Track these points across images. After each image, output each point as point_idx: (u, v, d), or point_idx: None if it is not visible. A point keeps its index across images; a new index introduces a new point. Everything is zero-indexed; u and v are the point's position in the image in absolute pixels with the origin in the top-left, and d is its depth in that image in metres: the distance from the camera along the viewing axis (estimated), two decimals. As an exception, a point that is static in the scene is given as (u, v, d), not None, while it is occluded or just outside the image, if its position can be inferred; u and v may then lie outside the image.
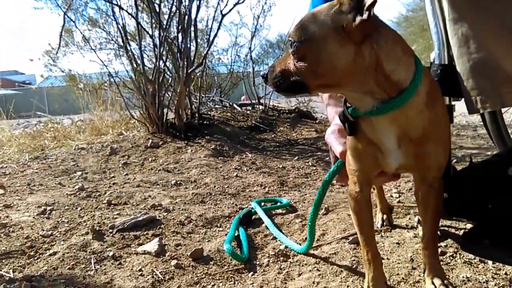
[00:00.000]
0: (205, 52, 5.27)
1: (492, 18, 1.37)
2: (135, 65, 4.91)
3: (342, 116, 1.16)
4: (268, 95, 6.97)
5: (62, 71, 8.43)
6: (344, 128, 1.19)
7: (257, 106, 7.03)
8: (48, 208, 2.32)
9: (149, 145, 4.19)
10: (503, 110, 2.72)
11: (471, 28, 1.40)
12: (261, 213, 2.10)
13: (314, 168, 3.52)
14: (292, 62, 1.05)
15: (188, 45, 5.02)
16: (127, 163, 3.72)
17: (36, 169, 3.59)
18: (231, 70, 8.09)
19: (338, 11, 0.99)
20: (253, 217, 2.14)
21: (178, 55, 4.86)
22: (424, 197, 1.23)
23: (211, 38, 5.51)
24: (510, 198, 1.45)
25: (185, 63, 4.76)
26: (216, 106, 6.78)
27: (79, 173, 3.40)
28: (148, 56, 5.72)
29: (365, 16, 0.95)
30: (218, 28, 5.09)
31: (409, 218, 1.90)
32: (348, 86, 1.04)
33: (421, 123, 1.08)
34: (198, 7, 5.33)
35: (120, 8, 5.06)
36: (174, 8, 4.97)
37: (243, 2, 5.17)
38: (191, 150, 3.99)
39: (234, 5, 5.13)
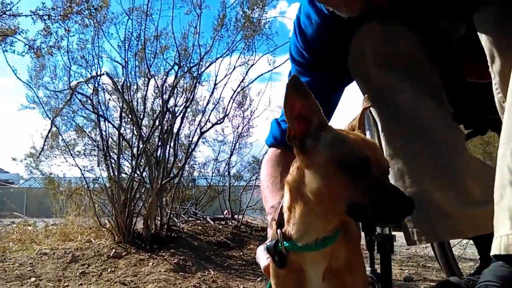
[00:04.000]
0: (181, 165, 5.45)
1: (422, 157, 1.50)
2: (111, 173, 5.04)
3: (272, 249, 1.17)
4: (242, 211, 7.05)
5: (43, 174, 8.54)
6: (273, 261, 1.19)
7: (231, 221, 7.06)
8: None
9: (111, 254, 4.13)
10: (455, 241, 2.83)
11: (405, 164, 1.52)
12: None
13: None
14: None
15: (166, 157, 5.24)
16: (85, 273, 3.64)
17: (-11, 272, 3.49)
18: (210, 184, 8.27)
19: None
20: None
21: (155, 166, 5.04)
22: None
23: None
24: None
25: (161, 174, 4.92)
26: (190, 218, 6.80)
27: (33, 279, 3.32)
28: (127, 166, 5.89)
29: None
30: (196, 144, 5.36)
31: None
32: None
33: (342, 254, 1.15)
34: (181, 123, 5.67)
35: (105, 119, 5.35)
36: (157, 122, 5.28)
37: (221, 122, 5.52)
38: (153, 263, 3.94)
39: (213, 125, 5.47)
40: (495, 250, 1.08)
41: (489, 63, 1.30)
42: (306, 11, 1.72)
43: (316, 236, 1.10)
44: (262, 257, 1.41)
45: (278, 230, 1.16)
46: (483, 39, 1.31)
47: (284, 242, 1.13)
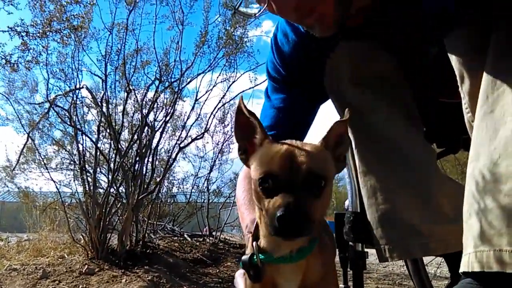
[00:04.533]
0: (158, 180, 5.40)
1: (395, 175, 1.51)
2: (87, 187, 4.95)
3: (248, 262, 1.15)
4: (220, 228, 6.99)
5: (18, 188, 8.32)
6: (248, 275, 1.17)
7: (208, 238, 6.98)
8: None
9: (84, 271, 4.02)
10: (429, 259, 2.84)
11: (378, 181, 1.52)
12: None
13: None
14: (312, 201, 1.01)
15: (144, 172, 5.18)
16: (55, 290, 3.54)
17: (-46, 289, 3.36)
18: (189, 200, 8.19)
19: (330, 155, 1.12)
20: None
21: (132, 180, 4.97)
22: None
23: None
24: None
25: (138, 189, 4.86)
26: (167, 234, 6.70)
27: (0, 297, 3.21)
28: (103, 180, 5.80)
29: (344, 165, 1.16)
30: (174, 159, 5.32)
31: None
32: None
33: (316, 267, 1.14)
34: (160, 138, 5.63)
35: (83, 133, 5.28)
36: (136, 136, 5.24)
37: (201, 137, 5.50)
38: (126, 280, 3.85)
39: (192, 140, 5.45)
40: (463, 267, 1.09)
41: (459, 83, 1.33)
42: (283, 29, 1.74)
43: (290, 247, 1.09)
44: (241, 284, 1.39)
45: (254, 243, 1.15)
46: (454, 60, 1.34)
47: (260, 255, 1.12)
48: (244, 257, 1.17)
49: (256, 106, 7.74)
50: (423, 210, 1.47)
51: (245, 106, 1.15)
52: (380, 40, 1.59)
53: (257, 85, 6.16)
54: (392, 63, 1.63)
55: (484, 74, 1.17)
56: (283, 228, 0.95)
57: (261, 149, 1.12)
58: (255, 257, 1.13)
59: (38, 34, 4.51)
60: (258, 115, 1.77)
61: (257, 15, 1.45)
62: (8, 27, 4.42)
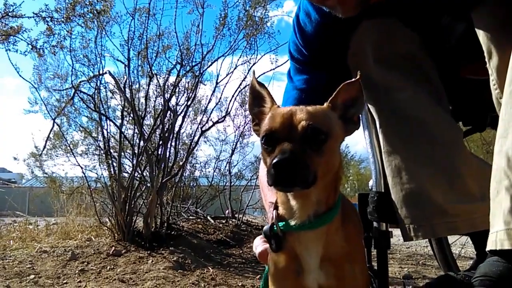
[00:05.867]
0: (181, 164, 5.46)
1: (421, 154, 1.50)
2: (112, 172, 5.05)
3: (269, 232, 1.19)
4: (242, 210, 7.06)
5: (45, 173, 8.53)
6: (269, 245, 1.22)
7: (231, 220, 7.06)
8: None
9: (111, 252, 4.14)
10: (452, 239, 2.82)
11: (403, 160, 1.52)
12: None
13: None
14: (311, 155, 1.04)
15: (167, 156, 5.25)
16: (84, 270, 3.65)
17: (-11, 269, 3.51)
18: (211, 183, 8.28)
19: (336, 115, 1.15)
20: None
21: (156, 164, 5.05)
22: None
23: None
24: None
25: (161, 172, 4.93)
26: (190, 217, 6.81)
27: (32, 276, 3.33)
28: (128, 164, 5.90)
29: (358, 127, 1.18)
30: (196, 143, 5.37)
31: None
32: (321, 187, 1.09)
33: (339, 241, 1.15)
34: (182, 122, 5.69)
35: (107, 118, 5.37)
36: (159, 121, 5.29)
37: (222, 121, 5.53)
38: (152, 261, 3.94)
39: (214, 123, 5.48)
40: (490, 245, 1.08)
41: (486, 59, 1.30)
42: (305, 8, 1.72)
43: (306, 212, 1.11)
44: (258, 244, 1.42)
45: (274, 211, 1.19)
46: (481, 35, 1.31)
47: (279, 223, 1.16)
48: (265, 227, 1.21)
49: (277, 88, 7.67)
50: (448, 189, 1.46)
51: (256, 79, 1.26)
52: (404, 18, 1.56)
53: (277, 66, 6.11)
54: (417, 41, 1.60)
55: None
56: (278, 175, 0.98)
57: (269, 114, 1.17)
58: (275, 227, 1.17)
59: (63, 19, 4.56)
60: (280, 98, 1.78)
61: None
62: (33, 13, 4.49)
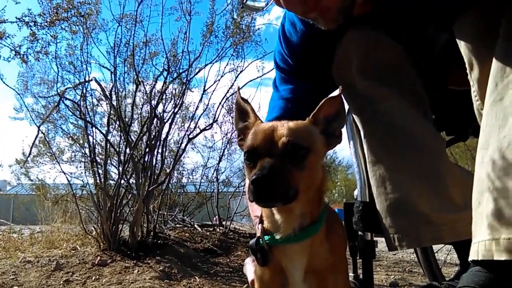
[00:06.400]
0: (168, 171, 5.43)
1: (405, 163, 1.51)
2: (98, 180, 5.00)
3: (255, 246, 1.20)
4: (229, 217, 7.03)
5: (31, 180, 8.43)
6: (256, 259, 1.22)
7: (219, 227, 7.03)
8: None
9: (96, 262, 4.08)
10: (440, 246, 2.84)
11: (387, 170, 1.53)
12: None
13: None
14: (291, 170, 1.04)
15: (154, 164, 5.21)
16: (69, 281, 3.59)
17: (-29, 281, 3.43)
18: (198, 190, 8.24)
19: (318, 130, 1.16)
20: None
21: (142, 172, 5.01)
22: None
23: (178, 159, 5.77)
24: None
25: (148, 180, 4.89)
26: (177, 225, 6.76)
27: (15, 288, 3.27)
28: (114, 172, 5.85)
29: (340, 140, 1.18)
30: (184, 150, 5.34)
31: None
32: (304, 201, 1.10)
33: (323, 253, 1.17)
34: (169, 129, 5.66)
35: (93, 125, 5.31)
36: (145, 128, 5.26)
37: (210, 128, 5.52)
38: (138, 271, 3.90)
39: (201, 130, 5.46)
40: (473, 255, 1.10)
41: (468, 71, 1.32)
42: (290, 18, 1.73)
43: (290, 226, 1.12)
44: (250, 270, 1.42)
45: (259, 225, 1.20)
46: (463, 47, 1.33)
47: (265, 237, 1.17)
48: (251, 241, 1.22)
49: (265, 94, 7.69)
50: (433, 199, 1.47)
51: (240, 95, 1.29)
52: (388, 28, 1.58)
53: (264, 74, 6.14)
54: (401, 51, 1.62)
55: (493, 61, 1.15)
56: (257, 191, 0.99)
57: (252, 130, 1.18)
58: (261, 240, 1.18)
59: (46, 24, 4.51)
60: (267, 105, 1.78)
61: (264, 8, 1.46)
62: (16, 17, 4.44)
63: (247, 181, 1.70)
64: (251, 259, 1.46)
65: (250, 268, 1.42)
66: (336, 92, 1.20)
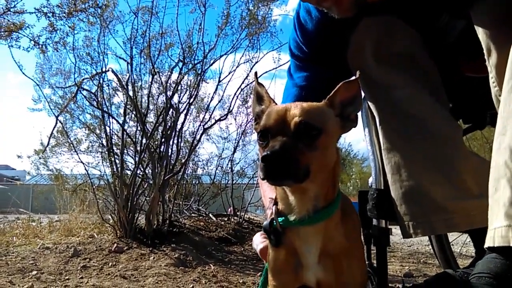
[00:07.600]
0: (183, 161, 5.47)
1: (420, 151, 1.51)
2: (114, 169, 5.07)
3: (268, 227, 1.21)
4: (244, 208, 7.07)
5: (50, 170, 8.56)
6: (269, 240, 1.23)
7: (233, 217, 7.08)
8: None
9: (113, 249, 4.15)
10: (453, 237, 2.81)
11: (402, 158, 1.53)
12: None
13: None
14: (303, 149, 1.04)
15: (170, 153, 5.26)
16: (86, 266, 3.66)
17: (-8, 265, 3.53)
18: (213, 180, 8.29)
19: (333, 113, 1.16)
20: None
21: (158, 162, 5.06)
22: None
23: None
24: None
25: (163, 170, 4.95)
26: (193, 214, 6.82)
27: (35, 272, 3.34)
28: (130, 162, 5.92)
29: (355, 124, 1.19)
30: (199, 141, 5.37)
31: None
32: (318, 182, 1.11)
33: (338, 237, 1.17)
34: (184, 119, 5.69)
35: (110, 115, 5.38)
36: (161, 118, 5.31)
37: (225, 119, 5.53)
38: (154, 258, 3.96)
39: (216, 121, 5.49)
40: (488, 242, 1.09)
41: (486, 57, 1.30)
42: (306, 5, 1.73)
43: (304, 207, 1.13)
44: (258, 241, 1.43)
45: (274, 206, 1.20)
46: (480, 33, 1.31)
47: (279, 218, 1.17)
48: (265, 223, 1.23)
49: (280, 86, 7.67)
50: (447, 186, 1.46)
51: (257, 80, 1.31)
52: (404, 16, 1.56)
53: (281, 65, 6.11)
54: (417, 39, 1.60)
55: None
56: (267, 168, 0.99)
57: (266, 112, 1.19)
58: (275, 222, 1.18)
59: (64, 15, 4.57)
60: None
61: None
62: (35, 8, 4.49)
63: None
64: (262, 235, 1.46)
65: (258, 239, 1.44)
66: (353, 77, 1.19)
